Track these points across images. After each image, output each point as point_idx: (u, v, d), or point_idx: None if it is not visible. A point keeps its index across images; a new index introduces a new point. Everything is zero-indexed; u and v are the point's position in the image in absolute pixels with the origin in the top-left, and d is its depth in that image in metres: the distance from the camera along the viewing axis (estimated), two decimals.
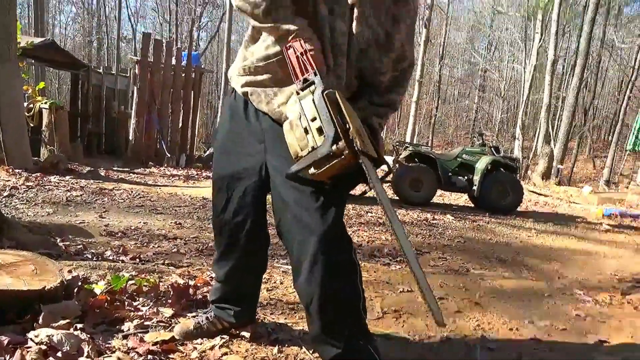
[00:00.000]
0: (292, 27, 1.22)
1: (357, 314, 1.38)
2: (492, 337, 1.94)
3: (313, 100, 1.15)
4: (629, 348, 1.96)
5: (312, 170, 1.17)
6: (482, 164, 6.16)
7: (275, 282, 2.37)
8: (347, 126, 1.14)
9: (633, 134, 10.48)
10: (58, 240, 2.79)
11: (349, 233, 1.40)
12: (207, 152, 10.55)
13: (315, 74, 1.17)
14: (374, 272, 2.74)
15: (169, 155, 8.19)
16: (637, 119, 10.82)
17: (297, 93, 1.20)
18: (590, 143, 20.91)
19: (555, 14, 11.94)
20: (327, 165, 1.15)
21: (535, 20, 14.97)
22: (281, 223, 1.37)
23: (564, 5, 12.95)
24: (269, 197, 1.44)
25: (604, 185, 11.95)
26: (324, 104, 1.14)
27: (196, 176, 7.33)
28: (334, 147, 1.12)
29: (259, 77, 1.36)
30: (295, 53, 1.20)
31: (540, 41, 14.32)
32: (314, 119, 1.15)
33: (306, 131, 1.16)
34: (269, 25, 1.25)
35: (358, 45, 1.30)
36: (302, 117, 1.16)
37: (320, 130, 1.14)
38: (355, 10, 1.26)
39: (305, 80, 1.18)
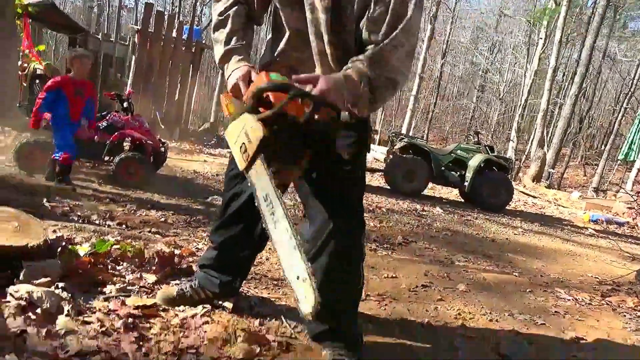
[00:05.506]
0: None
1: (353, 298, 1.46)
2: (472, 326, 1.96)
3: None
4: (604, 346, 2.00)
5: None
6: (475, 161, 6.19)
7: (261, 258, 2.36)
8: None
9: (626, 144, 10.55)
10: (44, 201, 2.76)
11: None
12: (202, 127, 10.45)
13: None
14: None
15: (162, 127, 8.10)
16: (631, 131, 10.89)
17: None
18: (582, 151, 21.07)
19: (561, 22, 11.89)
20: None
21: (540, 26, 14.89)
22: (307, 205, 1.44)
23: (569, 14, 12.88)
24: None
25: (593, 192, 12.07)
26: None
27: (189, 149, 7.28)
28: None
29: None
30: None
31: (543, 47, 14.25)
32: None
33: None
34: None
35: (353, 32, 1.28)
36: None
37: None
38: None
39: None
